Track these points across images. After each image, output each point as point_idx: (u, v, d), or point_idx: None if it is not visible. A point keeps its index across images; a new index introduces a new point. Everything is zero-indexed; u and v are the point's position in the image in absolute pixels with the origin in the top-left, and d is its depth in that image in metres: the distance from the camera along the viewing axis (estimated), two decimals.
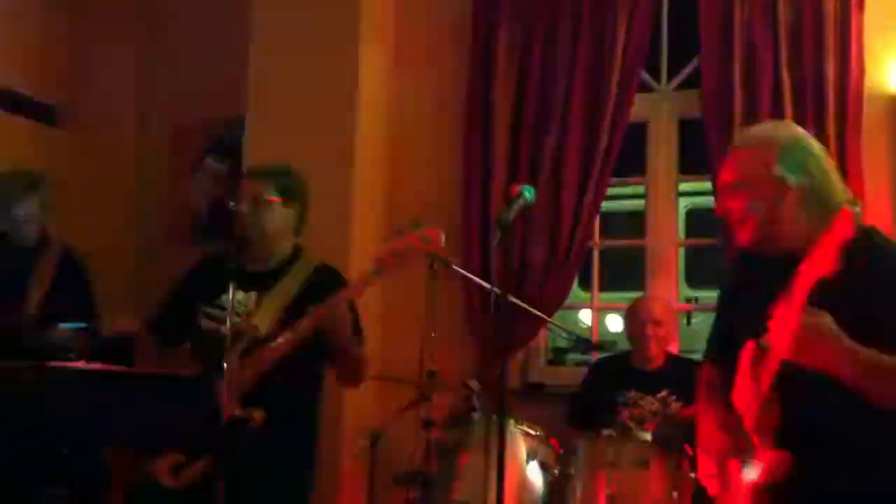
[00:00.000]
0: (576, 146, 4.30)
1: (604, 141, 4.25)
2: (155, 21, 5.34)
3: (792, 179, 2.05)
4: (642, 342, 3.90)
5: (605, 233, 4.70)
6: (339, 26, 4.50)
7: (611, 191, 4.46)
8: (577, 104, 4.31)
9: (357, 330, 2.93)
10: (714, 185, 4.12)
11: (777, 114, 3.96)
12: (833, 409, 1.96)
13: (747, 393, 2.08)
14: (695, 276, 6.04)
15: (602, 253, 4.69)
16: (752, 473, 2.02)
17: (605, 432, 3.24)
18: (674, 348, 4.18)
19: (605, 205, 4.48)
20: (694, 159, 4.44)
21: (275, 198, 2.95)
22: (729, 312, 2.32)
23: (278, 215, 2.98)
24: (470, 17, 4.58)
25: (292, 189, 3.02)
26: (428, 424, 3.69)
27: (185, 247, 4.58)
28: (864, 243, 1.89)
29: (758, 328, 2.03)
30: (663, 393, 3.76)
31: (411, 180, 4.70)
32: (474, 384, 3.54)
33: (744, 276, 2.30)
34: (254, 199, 2.94)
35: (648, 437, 3.22)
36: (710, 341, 2.37)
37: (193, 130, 5.14)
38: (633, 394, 3.81)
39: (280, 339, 2.76)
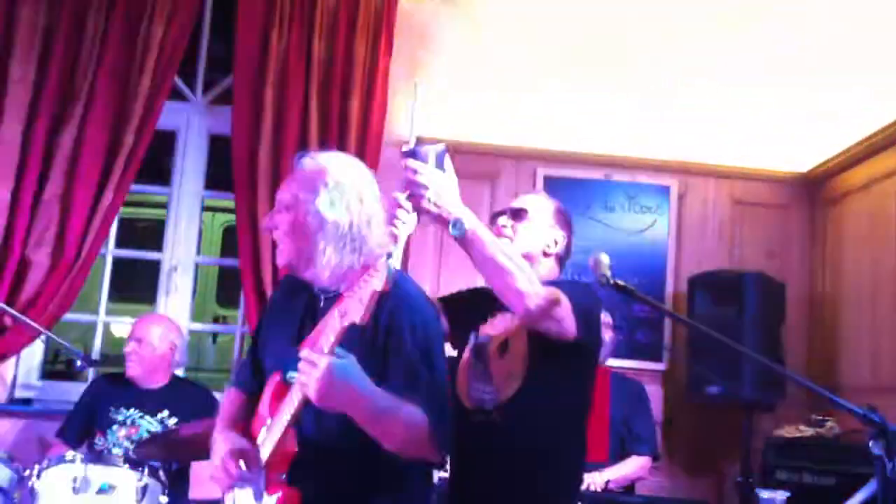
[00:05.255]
0: (97, 143, 3.99)
1: (128, 142, 4.00)
2: None
3: (330, 214, 2.00)
4: (127, 359, 3.73)
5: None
6: None
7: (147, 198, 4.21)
8: (103, 98, 4.01)
9: None
10: (237, 204, 4.12)
11: (302, 142, 4.05)
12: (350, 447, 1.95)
13: (263, 425, 2.02)
14: (225, 295, 5.99)
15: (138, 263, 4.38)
16: None
17: (72, 455, 3.00)
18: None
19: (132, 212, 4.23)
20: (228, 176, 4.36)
21: None
22: (262, 336, 2.24)
23: None
24: None
25: None
26: None
27: None
28: (392, 293, 1.87)
29: (284, 358, 1.99)
30: (164, 413, 3.64)
31: None
32: None
33: (281, 301, 2.23)
34: None
35: (121, 460, 3.05)
36: (243, 365, 2.27)
37: None
38: (132, 412, 3.64)
39: None
